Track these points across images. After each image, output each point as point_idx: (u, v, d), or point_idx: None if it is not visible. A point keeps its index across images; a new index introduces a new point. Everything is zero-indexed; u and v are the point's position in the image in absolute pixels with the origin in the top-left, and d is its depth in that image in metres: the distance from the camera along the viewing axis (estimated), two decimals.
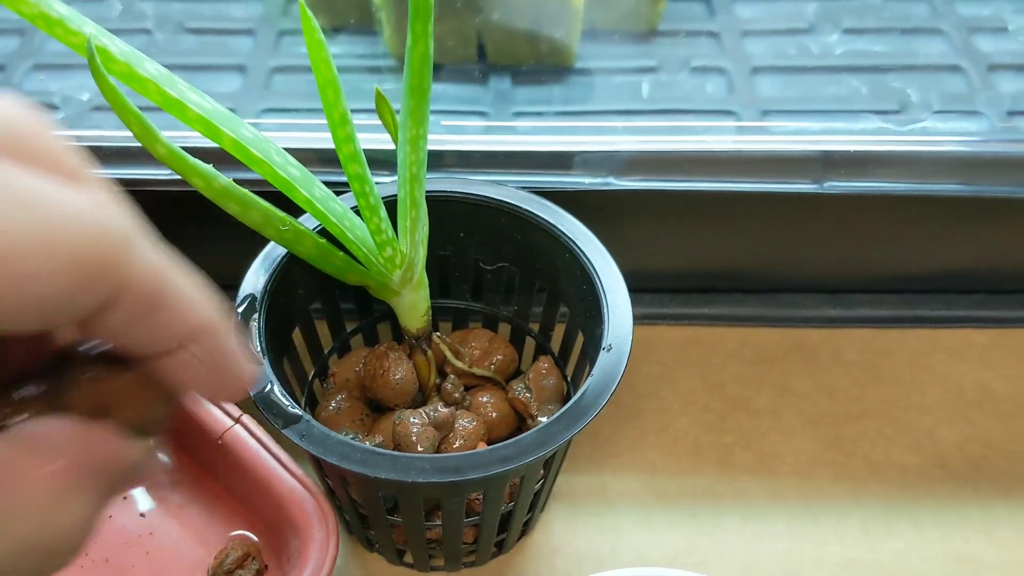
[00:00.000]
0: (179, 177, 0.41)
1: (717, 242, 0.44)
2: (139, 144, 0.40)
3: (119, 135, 0.41)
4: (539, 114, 0.50)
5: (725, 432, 0.42)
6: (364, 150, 0.40)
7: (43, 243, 0.16)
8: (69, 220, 0.16)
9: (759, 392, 0.43)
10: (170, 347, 0.19)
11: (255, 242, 0.41)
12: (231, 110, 0.50)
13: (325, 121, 0.44)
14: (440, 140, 0.41)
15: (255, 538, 0.38)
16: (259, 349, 0.33)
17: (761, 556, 0.38)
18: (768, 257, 0.45)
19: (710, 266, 0.45)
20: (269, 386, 0.32)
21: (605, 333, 0.33)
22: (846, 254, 0.44)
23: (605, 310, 0.34)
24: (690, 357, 0.45)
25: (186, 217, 0.44)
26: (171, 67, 0.57)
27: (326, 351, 0.40)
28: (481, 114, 0.50)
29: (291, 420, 0.31)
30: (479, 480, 0.30)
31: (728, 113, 0.49)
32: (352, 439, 0.34)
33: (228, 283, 0.46)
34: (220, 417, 0.38)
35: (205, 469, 0.39)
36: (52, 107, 0.50)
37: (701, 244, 0.44)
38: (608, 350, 0.33)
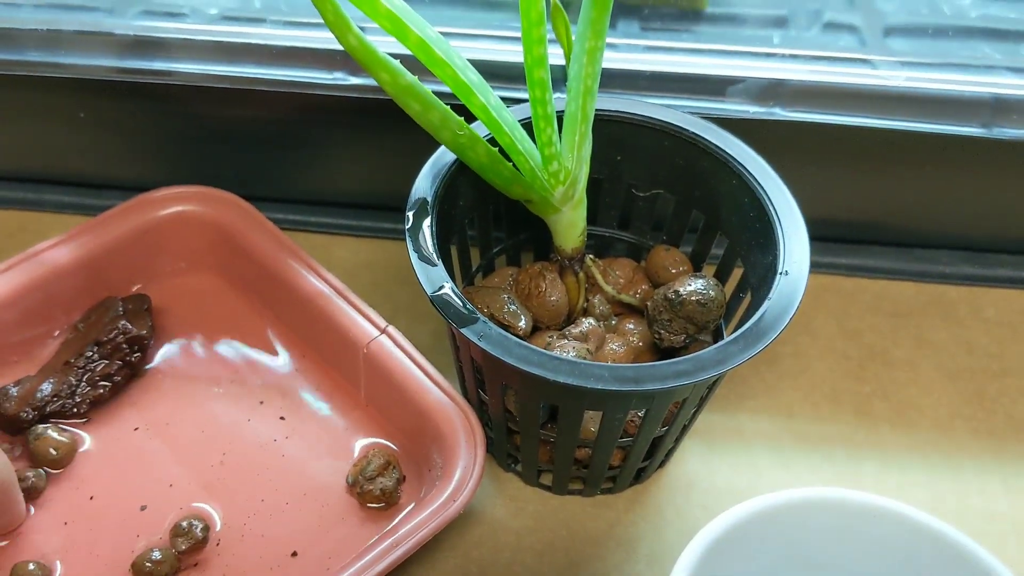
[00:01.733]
0: (338, 82, 0.41)
1: (868, 189, 0.43)
2: (300, 44, 0.40)
3: (278, 33, 0.41)
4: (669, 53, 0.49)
5: (863, 381, 0.41)
6: (503, 63, 0.40)
7: None
8: None
9: (897, 344, 0.43)
10: None
11: (398, 159, 0.40)
12: None
13: (486, 36, 0.43)
14: None
15: (395, 447, 0.38)
16: (432, 251, 0.33)
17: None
18: (916, 209, 0.44)
19: (855, 215, 0.45)
20: (443, 287, 0.32)
21: (781, 258, 0.33)
22: (994, 211, 0.44)
23: (780, 235, 0.33)
24: (828, 305, 0.44)
25: (332, 128, 0.44)
26: None
27: (473, 268, 0.40)
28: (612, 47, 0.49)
29: (468, 320, 0.31)
30: (650, 393, 0.30)
31: (865, 60, 0.48)
32: None
33: (366, 201, 0.46)
34: (365, 326, 0.38)
35: (347, 379, 0.39)
36: (181, 14, 0.50)
37: (851, 190, 0.43)
38: (786, 274, 0.32)
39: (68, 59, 0.40)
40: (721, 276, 0.38)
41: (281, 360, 0.41)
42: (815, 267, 0.45)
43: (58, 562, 0.34)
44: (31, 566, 0.33)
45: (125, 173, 0.47)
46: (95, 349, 0.38)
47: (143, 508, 0.36)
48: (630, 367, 0.30)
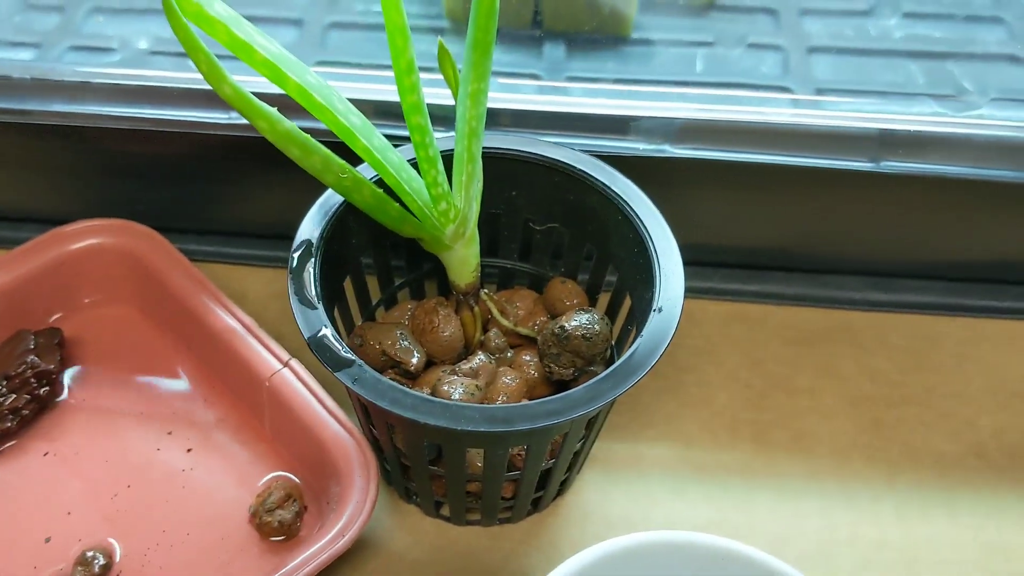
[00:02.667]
0: (239, 122, 0.42)
1: (767, 218, 0.44)
2: (201, 87, 0.41)
3: (180, 76, 0.42)
4: (593, 80, 0.50)
5: (764, 410, 0.42)
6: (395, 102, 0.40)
7: None
8: None
9: (799, 372, 0.43)
10: None
11: (310, 192, 0.41)
12: None
13: (379, 75, 0.44)
14: (495, 98, 0.41)
15: (297, 479, 0.39)
16: (314, 294, 0.33)
17: (793, 533, 0.38)
18: (817, 237, 0.45)
19: (758, 242, 0.45)
20: (323, 330, 0.32)
21: (656, 295, 0.33)
22: (896, 237, 0.44)
23: (657, 273, 0.34)
24: (733, 333, 0.45)
25: (243, 163, 0.45)
26: None
27: (374, 303, 0.40)
28: (534, 78, 0.50)
29: (344, 364, 0.32)
30: (526, 432, 0.31)
31: (783, 89, 0.49)
32: None
33: (281, 232, 0.47)
34: (269, 359, 0.39)
35: (251, 410, 0.40)
36: (109, 50, 0.50)
37: (751, 219, 0.44)
38: (659, 311, 0.33)
39: None
40: (613, 308, 0.39)
41: (191, 392, 0.42)
42: (721, 294, 0.46)
43: None
44: None
45: (41, 206, 0.48)
46: (4, 383, 0.39)
47: (47, 540, 0.37)
48: (501, 408, 0.31)
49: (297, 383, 0.38)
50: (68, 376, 0.42)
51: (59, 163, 0.45)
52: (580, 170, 0.37)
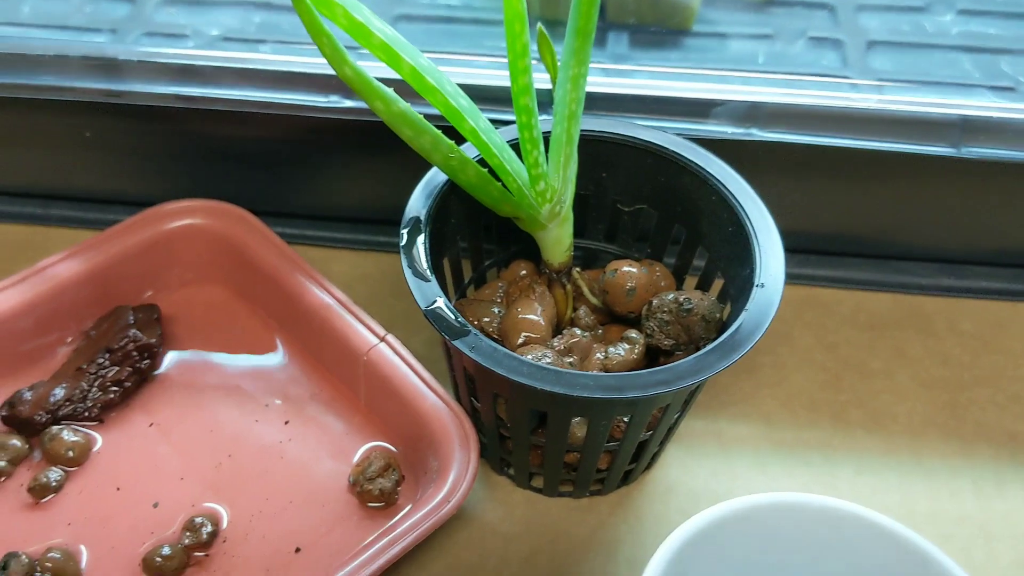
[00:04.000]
0: (334, 105, 0.43)
1: (845, 203, 0.45)
2: (295, 70, 0.43)
3: (277, 59, 0.43)
4: (655, 75, 0.51)
5: (840, 390, 0.43)
6: (495, 87, 0.42)
7: None
8: None
9: (873, 355, 0.45)
10: None
11: (392, 179, 0.43)
12: None
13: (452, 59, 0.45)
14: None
15: (394, 450, 0.40)
16: (426, 267, 0.35)
17: (875, 507, 0.39)
18: (892, 223, 0.46)
19: (833, 228, 0.46)
20: (436, 301, 0.34)
21: (757, 271, 0.34)
22: (968, 224, 0.45)
23: (756, 249, 0.35)
24: (807, 317, 0.46)
25: (330, 148, 0.46)
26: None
27: (465, 281, 0.42)
28: (599, 71, 0.52)
29: (460, 333, 0.33)
30: (633, 401, 0.32)
31: (845, 79, 0.50)
32: None
33: (364, 216, 0.48)
34: (365, 335, 0.40)
35: (346, 384, 0.41)
36: (182, 36, 0.52)
37: (829, 204, 0.45)
38: (762, 287, 0.34)
39: (72, 82, 0.43)
40: (702, 287, 0.40)
41: (285, 367, 0.43)
42: (794, 279, 0.47)
43: (82, 547, 0.36)
44: (56, 554, 0.36)
45: (130, 189, 0.49)
46: (106, 356, 0.40)
47: (155, 505, 0.38)
48: (612, 376, 0.32)
49: (395, 357, 0.39)
50: (165, 351, 0.43)
51: (154, 145, 0.47)
52: (673, 152, 0.38)
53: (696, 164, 0.38)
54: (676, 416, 0.37)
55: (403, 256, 0.35)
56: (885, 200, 0.44)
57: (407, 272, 0.34)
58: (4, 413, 0.39)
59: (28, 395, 0.39)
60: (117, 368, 0.40)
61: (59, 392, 0.39)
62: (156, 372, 0.42)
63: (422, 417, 0.38)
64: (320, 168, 0.47)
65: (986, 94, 0.50)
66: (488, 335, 0.38)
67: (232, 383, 0.42)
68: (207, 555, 0.36)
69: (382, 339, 0.40)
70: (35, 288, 0.41)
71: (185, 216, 0.44)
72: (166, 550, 0.36)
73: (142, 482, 0.39)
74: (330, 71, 0.35)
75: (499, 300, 0.40)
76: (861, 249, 0.47)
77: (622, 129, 0.39)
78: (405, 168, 0.46)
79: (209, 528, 0.37)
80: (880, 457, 0.41)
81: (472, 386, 0.37)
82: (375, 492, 0.38)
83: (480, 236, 0.41)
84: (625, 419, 0.35)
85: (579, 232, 0.42)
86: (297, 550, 0.37)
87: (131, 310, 0.42)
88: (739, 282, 0.36)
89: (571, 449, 0.36)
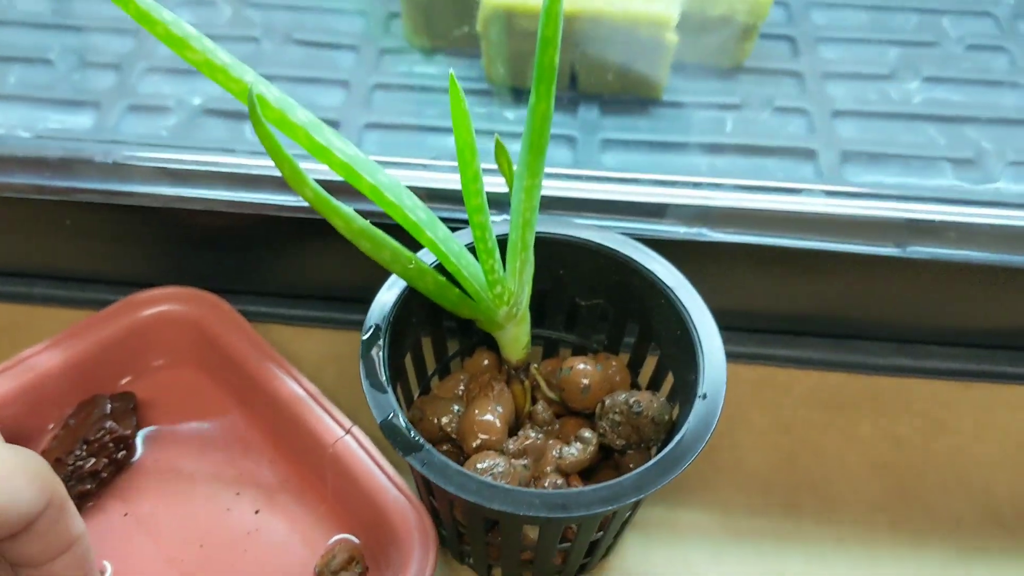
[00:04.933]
0: (303, 204, 0.44)
1: (798, 291, 0.47)
2: (269, 173, 0.44)
3: (252, 163, 0.44)
4: (626, 143, 0.53)
5: (794, 471, 0.45)
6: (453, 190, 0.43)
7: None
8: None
9: (827, 436, 0.46)
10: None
11: (361, 259, 0.44)
12: (334, 123, 0.53)
13: (420, 158, 0.46)
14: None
15: (357, 541, 0.41)
16: (384, 378, 0.36)
17: None
18: (846, 307, 0.48)
19: (788, 310, 0.48)
20: (392, 414, 0.35)
21: (700, 381, 0.36)
22: (920, 309, 0.47)
23: (700, 358, 0.36)
24: (763, 397, 0.47)
25: (303, 236, 0.47)
26: (277, 78, 0.60)
27: (429, 373, 0.43)
28: (569, 140, 0.53)
29: (413, 448, 0.34)
30: (580, 517, 0.33)
31: (808, 153, 0.51)
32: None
33: (334, 294, 0.50)
34: (331, 426, 0.42)
35: (314, 473, 0.43)
36: (165, 109, 0.53)
37: (782, 291, 0.47)
38: (704, 398, 0.35)
39: (49, 182, 0.44)
40: (654, 383, 0.41)
41: (256, 454, 0.44)
42: (752, 358, 0.48)
43: None
44: None
45: (111, 270, 0.51)
46: (83, 448, 0.42)
47: None
48: (559, 494, 0.33)
49: (359, 450, 0.41)
50: (140, 436, 0.45)
51: (132, 234, 0.48)
52: (623, 254, 0.40)
53: (645, 267, 0.39)
54: (627, 516, 0.38)
55: (362, 365, 0.36)
56: (838, 289, 0.46)
57: (365, 383, 0.36)
58: None
59: None
60: (94, 459, 0.42)
61: None
62: (132, 459, 0.44)
63: (384, 511, 0.39)
64: (293, 251, 0.48)
65: (947, 169, 0.51)
66: (447, 435, 0.39)
67: (206, 470, 0.44)
68: None
69: (347, 431, 0.41)
70: (16, 380, 0.43)
71: (160, 303, 0.46)
72: None
73: (118, 571, 0.40)
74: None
75: (460, 395, 0.41)
76: (817, 328, 0.49)
77: (576, 232, 0.40)
78: None
79: None
80: (830, 547, 0.42)
81: (429, 489, 0.38)
82: None
83: (443, 330, 0.42)
84: (575, 525, 0.37)
85: (539, 321, 0.44)
86: None
87: (108, 400, 0.44)
88: (685, 387, 0.37)
89: (526, 548, 0.38)
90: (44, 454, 0.43)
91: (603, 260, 0.40)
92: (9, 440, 0.43)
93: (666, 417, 0.38)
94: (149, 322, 0.46)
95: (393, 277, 0.39)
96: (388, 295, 0.39)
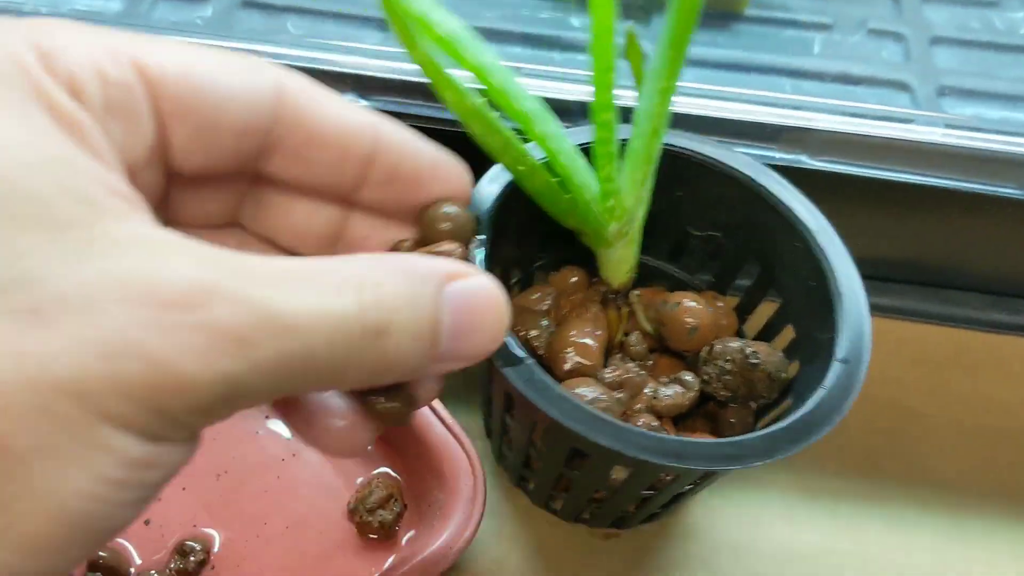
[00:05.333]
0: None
1: (894, 232, 0.42)
2: (310, 67, 0.37)
3: (290, 52, 0.38)
4: (702, 62, 0.47)
5: (875, 433, 0.41)
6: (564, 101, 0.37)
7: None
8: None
9: (914, 394, 0.42)
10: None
11: None
12: None
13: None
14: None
15: (398, 477, 0.36)
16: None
17: (904, 567, 0.38)
18: (942, 253, 0.43)
19: (879, 253, 0.43)
20: None
21: (837, 342, 0.31)
22: None
23: (839, 316, 0.31)
24: None
25: None
26: None
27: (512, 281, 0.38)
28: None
29: (514, 361, 0.29)
30: (694, 470, 0.29)
31: (902, 85, 0.46)
32: None
33: None
34: None
35: None
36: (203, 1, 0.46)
37: (876, 233, 0.42)
38: (845, 363, 0.30)
39: None
40: (765, 335, 0.36)
41: None
42: None
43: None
44: None
45: None
46: None
47: (147, 522, 0.34)
48: (676, 441, 0.28)
49: None
50: None
51: None
52: (758, 183, 0.34)
53: (783, 203, 0.33)
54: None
55: None
56: (939, 232, 0.41)
57: None
58: None
59: None
60: None
61: None
62: None
63: (428, 448, 0.35)
64: None
65: None
66: (533, 350, 0.34)
67: None
68: None
69: None
70: None
71: None
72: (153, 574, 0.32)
73: None
74: (345, 68, 0.35)
75: (546, 310, 0.36)
76: (907, 275, 0.44)
77: (707, 150, 0.34)
78: None
79: (200, 556, 0.33)
80: (913, 513, 0.39)
81: (509, 406, 0.33)
82: (374, 524, 0.34)
83: (537, 237, 0.37)
84: (670, 476, 0.32)
85: (642, 248, 0.38)
86: None
87: None
88: (813, 344, 0.32)
89: (607, 489, 0.33)
90: None
91: (732, 188, 0.34)
92: None
93: (783, 374, 0.33)
94: None
95: (494, 170, 0.33)
96: (491, 188, 0.33)
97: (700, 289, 0.38)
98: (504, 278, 0.37)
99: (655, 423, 0.33)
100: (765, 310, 0.36)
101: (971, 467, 0.40)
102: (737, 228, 0.35)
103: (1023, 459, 0.41)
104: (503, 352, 0.29)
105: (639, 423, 0.33)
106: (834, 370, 0.30)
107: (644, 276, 0.39)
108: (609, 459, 0.30)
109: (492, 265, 0.32)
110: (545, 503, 0.37)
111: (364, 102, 0.38)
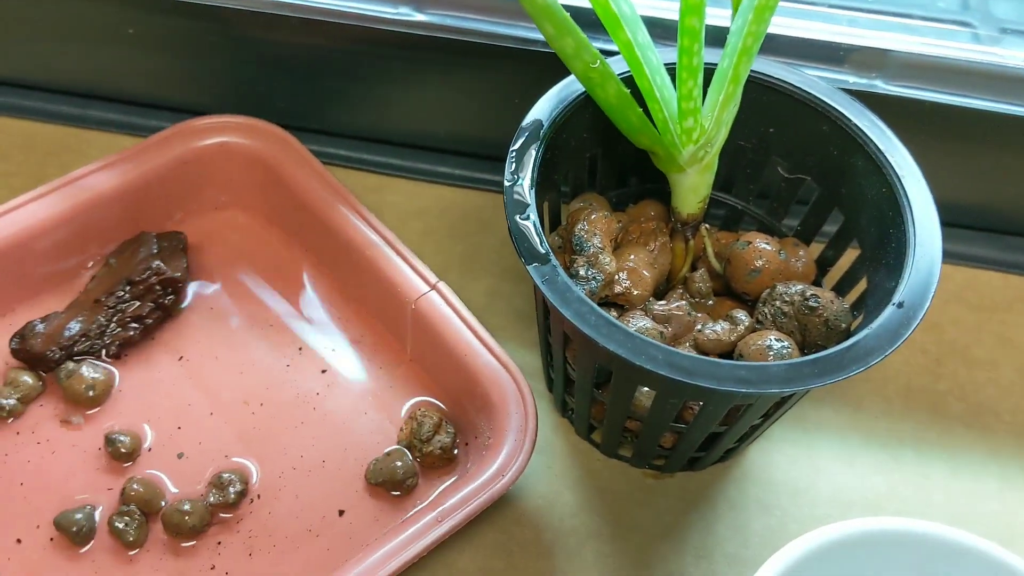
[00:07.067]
0: (402, 18, 0.38)
1: (965, 170, 0.40)
2: None
3: None
4: None
5: (940, 378, 0.39)
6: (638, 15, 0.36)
7: None
8: None
9: (979, 340, 0.40)
10: None
11: (461, 102, 0.37)
12: None
13: None
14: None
15: (443, 407, 0.36)
16: (530, 178, 0.30)
17: (971, 515, 0.35)
18: (1011, 197, 0.41)
19: (945, 195, 0.41)
20: (527, 213, 0.29)
21: (900, 288, 0.29)
22: None
23: (909, 265, 0.29)
24: None
25: (394, 62, 0.41)
26: None
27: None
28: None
29: (538, 258, 0.28)
30: (703, 390, 0.27)
31: (964, 23, 0.44)
32: None
33: (426, 143, 0.43)
34: (415, 281, 0.36)
35: (392, 333, 0.37)
36: None
37: (947, 170, 0.40)
38: (899, 307, 0.29)
39: None
40: (842, 288, 0.34)
41: (322, 308, 0.39)
42: None
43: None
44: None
45: (173, 95, 0.44)
46: (127, 288, 0.36)
47: (180, 456, 0.34)
48: (687, 356, 0.27)
49: (447, 308, 0.35)
50: (192, 283, 0.39)
51: (200, 48, 0.42)
52: (855, 124, 0.32)
53: (877, 146, 0.32)
54: (760, 421, 0.33)
55: (511, 159, 0.31)
56: (1007, 169, 0.39)
57: (508, 175, 0.30)
58: (15, 346, 0.35)
59: (41, 327, 0.36)
60: (138, 303, 0.36)
61: (74, 326, 0.36)
62: (181, 306, 0.38)
63: (474, 376, 0.34)
64: (380, 86, 0.42)
65: None
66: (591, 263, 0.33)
67: (264, 322, 0.38)
68: (234, 514, 0.33)
69: (433, 287, 0.36)
70: (59, 204, 0.37)
71: (219, 133, 0.40)
72: (186, 506, 0.32)
73: (165, 431, 0.35)
74: None
75: (614, 236, 0.34)
76: (974, 221, 0.42)
77: (803, 83, 0.33)
78: (476, 94, 0.41)
79: (238, 487, 0.33)
80: (980, 459, 0.37)
81: (547, 321, 0.32)
82: (437, 452, 0.34)
83: (617, 158, 0.36)
84: (696, 405, 0.31)
85: (726, 186, 0.37)
86: (341, 513, 0.33)
87: (155, 238, 0.38)
88: (879, 293, 0.31)
89: (634, 417, 0.32)
90: (83, 295, 0.37)
91: (827, 127, 0.33)
92: (49, 277, 0.37)
93: (843, 325, 0.31)
94: (207, 152, 0.40)
95: (566, 81, 0.33)
96: (559, 96, 0.32)
97: (784, 235, 0.36)
98: (565, 200, 0.36)
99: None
100: (846, 263, 0.35)
101: None
102: (827, 171, 0.34)
103: None
104: (529, 248, 0.28)
105: None
106: (887, 313, 0.28)
107: (729, 219, 0.38)
108: (625, 372, 0.29)
109: (544, 168, 0.31)
110: (587, 434, 0.36)
111: (421, 16, 0.38)
